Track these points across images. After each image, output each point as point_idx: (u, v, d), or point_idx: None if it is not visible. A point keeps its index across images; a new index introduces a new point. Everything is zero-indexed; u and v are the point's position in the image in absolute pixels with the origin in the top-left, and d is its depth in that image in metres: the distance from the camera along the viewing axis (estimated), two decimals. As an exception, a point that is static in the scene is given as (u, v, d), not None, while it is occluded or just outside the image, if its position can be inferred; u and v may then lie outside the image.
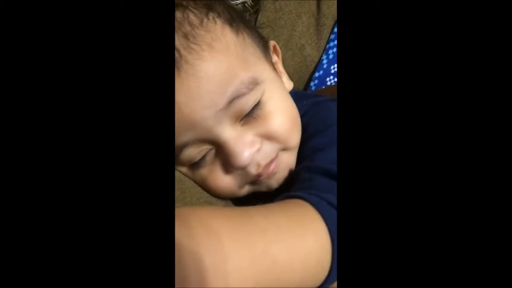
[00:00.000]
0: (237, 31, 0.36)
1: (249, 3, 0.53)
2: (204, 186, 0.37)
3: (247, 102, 0.33)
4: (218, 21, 0.35)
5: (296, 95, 0.42)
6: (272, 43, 0.43)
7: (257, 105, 0.34)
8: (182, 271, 0.20)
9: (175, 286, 0.20)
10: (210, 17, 0.34)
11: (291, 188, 0.32)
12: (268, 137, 0.35)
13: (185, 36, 0.33)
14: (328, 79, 0.61)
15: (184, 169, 0.37)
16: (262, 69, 0.36)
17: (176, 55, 0.32)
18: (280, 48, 0.47)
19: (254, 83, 0.34)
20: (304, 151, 0.37)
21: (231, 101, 0.33)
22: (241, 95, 0.33)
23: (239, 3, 0.52)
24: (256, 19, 0.57)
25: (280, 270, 0.23)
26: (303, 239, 0.25)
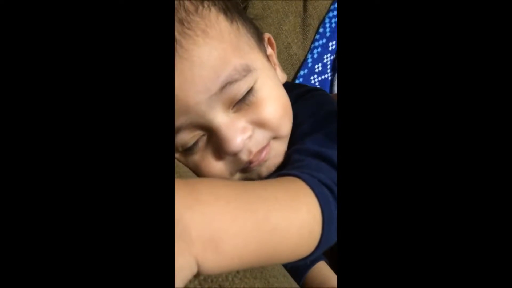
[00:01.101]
0: (231, 19, 0.36)
1: (239, 0, 0.53)
2: (197, 172, 0.37)
3: (240, 89, 0.34)
4: (213, 9, 0.35)
5: (286, 86, 0.43)
6: (267, 35, 0.43)
7: (250, 91, 0.35)
8: (192, 232, 0.20)
9: (183, 248, 0.20)
10: (205, 5, 0.35)
11: (283, 169, 0.34)
12: (260, 124, 0.35)
13: (181, 21, 0.33)
14: (312, 77, 0.63)
15: (177, 155, 0.37)
16: (255, 58, 0.36)
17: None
18: (267, 45, 0.47)
19: (247, 70, 0.34)
20: (294, 137, 0.38)
21: (224, 87, 0.33)
22: (234, 81, 0.33)
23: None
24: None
25: (279, 236, 0.24)
26: (298, 210, 0.26)
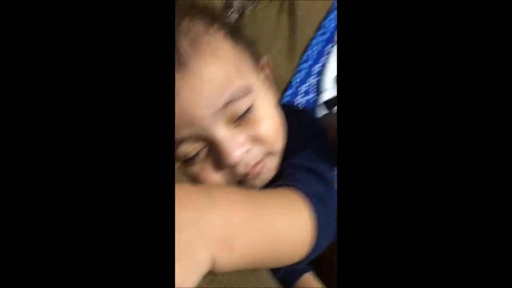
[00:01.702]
0: (235, 42, 0.39)
1: (232, 21, 0.57)
2: (196, 182, 0.39)
3: (241, 106, 0.37)
4: (221, 32, 0.38)
5: (280, 105, 0.46)
6: (265, 59, 0.46)
7: (249, 109, 0.38)
8: (211, 231, 0.23)
9: (203, 245, 0.22)
10: (215, 27, 0.38)
11: (277, 181, 0.37)
12: (257, 140, 0.38)
13: (193, 41, 0.36)
14: (296, 98, 0.66)
15: (177, 165, 0.39)
16: (254, 80, 0.40)
17: (184, 56, 0.35)
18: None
19: (248, 90, 0.37)
20: (285, 153, 0.41)
21: (227, 103, 0.36)
22: (236, 99, 0.36)
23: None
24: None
25: (280, 239, 0.27)
26: (296, 217, 0.30)
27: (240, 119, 0.37)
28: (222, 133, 0.36)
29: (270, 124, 0.39)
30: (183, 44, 0.35)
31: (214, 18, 0.38)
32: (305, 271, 0.41)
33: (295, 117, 0.44)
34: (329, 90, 0.68)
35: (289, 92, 0.65)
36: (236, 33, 0.40)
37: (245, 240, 0.24)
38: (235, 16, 0.53)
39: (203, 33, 0.37)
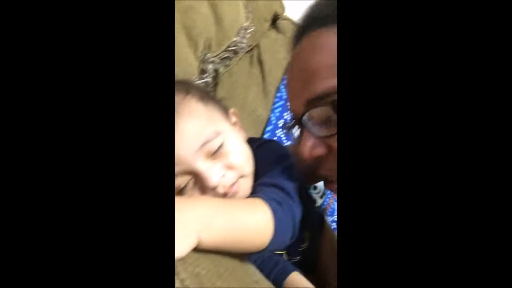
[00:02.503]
0: (206, 103, 0.55)
1: (209, 81, 0.70)
2: None
3: (214, 145, 0.51)
4: (193, 98, 0.54)
5: (250, 140, 0.61)
6: (232, 110, 0.62)
7: (221, 146, 0.52)
8: (194, 221, 0.36)
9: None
10: (189, 96, 0.54)
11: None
12: (229, 167, 0.52)
13: (175, 105, 0.52)
14: (277, 131, 0.78)
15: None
16: (223, 125, 0.55)
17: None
18: (238, 111, 0.63)
19: (218, 133, 0.52)
20: (257, 175, 0.55)
21: (203, 144, 0.50)
22: (210, 140, 0.51)
23: (202, 82, 0.70)
24: (215, 91, 0.74)
25: (244, 229, 0.40)
26: (256, 213, 0.42)
27: (215, 154, 0.51)
28: (203, 165, 0.50)
29: (238, 154, 0.53)
30: None
31: (188, 90, 0.55)
32: (291, 270, 0.50)
33: (264, 147, 0.59)
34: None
35: (269, 127, 0.77)
36: (206, 96, 0.56)
37: (218, 226, 0.37)
38: (209, 79, 0.67)
39: (181, 101, 0.53)
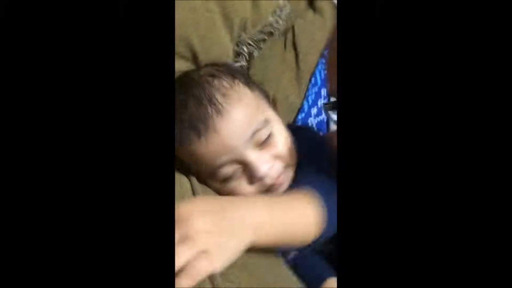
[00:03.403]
0: (252, 89, 0.54)
1: (244, 65, 0.66)
2: (234, 194, 0.52)
3: (263, 134, 0.51)
4: (241, 84, 0.53)
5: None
6: (273, 96, 0.62)
7: (269, 136, 0.51)
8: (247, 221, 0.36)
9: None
10: (236, 82, 0.52)
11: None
12: (277, 157, 0.52)
13: (224, 95, 0.51)
14: (309, 120, 0.75)
15: (217, 184, 0.52)
16: (270, 114, 0.54)
17: (220, 106, 0.49)
18: (270, 98, 0.59)
19: (267, 122, 0.52)
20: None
21: (253, 133, 0.50)
22: (259, 129, 0.51)
23: (237, 66, 0.66)
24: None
25: (294, 227, 0.41)
26: (311, 210, 0.41)
27: (264, 143, 0.50)
28: (252, 155, 0.49)
29: (285, 144, 0.52)
30: (218, 97, 0.49)
31: (234, 75, 0.53)
32: (326, 276, 0.48)
33: (298, 133, 0.57)
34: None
35: (301, 115, 0.73)
36: (249, 80, 0.54)
37: (273, 226, 0.38)
38: (243, 63, 0.63)
39: (230, 88, 0.51)
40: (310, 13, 0.75)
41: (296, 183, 0.49)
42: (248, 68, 0.71)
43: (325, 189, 0.43)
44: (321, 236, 0.42)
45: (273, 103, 0.58)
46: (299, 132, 0.58)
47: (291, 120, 0.74)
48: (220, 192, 0.52)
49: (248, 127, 0.49)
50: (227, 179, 0.50)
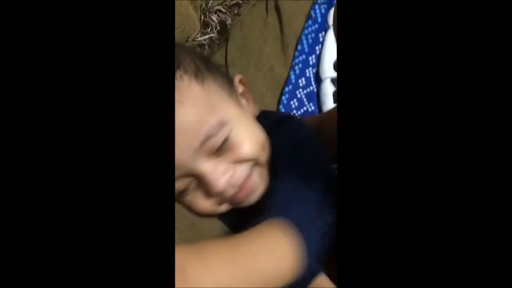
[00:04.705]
0: (202, 81, 0.41)
1: (215, 36, 0.59)
2: (190, 209, 0.43)
3: (218, 140, 0.40)
4: (185, 78, 0.40)
5: (264, 115, 0.48)
6: (237, 78, 0.48)
7: (226, 140, 0.40)
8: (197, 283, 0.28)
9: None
10: (178, 76, 0.40)
11: (265, 205, 0.39)
12: (239, 161, 0.41)
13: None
14: (297, 91, 0.68)
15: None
16: (227, 110, 0.42)
17: None
18: (251, 70, 0.53)
19: (221, 124, 0.40)
20: (274, 165, 0.43)
21: (204, 141, 0.39)
22: (211, 137, 0.39)
23: (206, 38, 0.58)
24: (226, 47, 0.63)
25: (267, 280, 0.32)
26: (281, 255, 0.33)
27: (220, 150, 0.40)
28: (204, 166, 0.40)
29: (249, 144, 0.41)
30: None
31: (178, 64, 0.41)
32: (316, 274, 0.43)
33: (282, 127, 0.46)
34: (329, 78, 0.69)
35: (288, 87, 0.66)
36: (201, 69, 0.42)
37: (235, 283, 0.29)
38: (213, 34, 0.55)
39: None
40: (293, -30, 0.67)
41: (268, 204, 0.39)
42: (225, 39, 0.64)
43: (304, 210, 0.36)
44: (304, 273, 0.34)
45: (239, 85, 0.47)
46: (281, 126, 0.46)
47: (278, 92, 0.67)
48: (181, 203, 0.44)
49: (195, 136, 0.39)
50: (181, 193, 0.42)
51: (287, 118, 0.50)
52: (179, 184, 0.41)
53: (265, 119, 0.46)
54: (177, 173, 0.39)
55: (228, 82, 0.45)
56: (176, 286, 0.26)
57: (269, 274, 0.32)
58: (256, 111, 0.47)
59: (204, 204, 0.42)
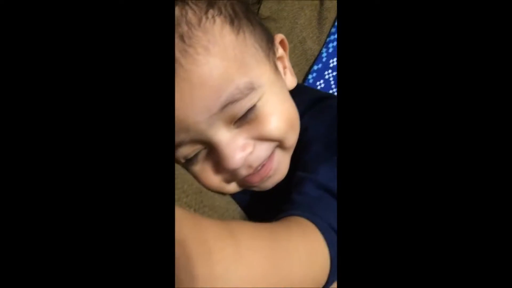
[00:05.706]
0: (238, 30, 0.34)
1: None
2: (197, 180, 0.38)
3: (242, 107, 0.33)
4: (218, 20, 0.33)
5: (298, 89, 0.41)
6: (279, 37, 0.41)
7: (252, 108, 0.34)
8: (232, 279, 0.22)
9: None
10: (209, 16, 0.33)
11: (293, 198, 0.33)
12: (262, 139, 0.35)
13: (181, 37, 0.31)
14: (326, 72, 0.61)
15: (180, 165, 0.37)
16: (261, 73, 0.35)
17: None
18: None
19: (251, 88, 0.33)
20: (304, 156, 0.36)
21: (224, 106, 0.32)
22: (235, 101, 0.32)
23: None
24: (258, 9, 0.56)
25: (303, 280, 0.27)
26: (315, 262, 0.28)
27: (242, 120, 0.34)
28: (221, 136, 0.33)
29: (277, 122, 0.35)
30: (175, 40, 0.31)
31: (210, 3, 0.33)
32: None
33: (323, 109, 0.39)
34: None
35: (317, 66, 0.60)
36: (239, 15, 0.35)
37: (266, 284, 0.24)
38: None
39: (195, 26, 0.32)
40: None
41: (294, 199, 0.33)
42: (260, 1, 0.57)
43: (330, 208, 0.30)
44: (330, 282, 0.29)
45: (279, 46, 0.40)
46: (320, 107, 0.39)
47: (305, 71, 0.61)
48: (188, 171, 0.38)
49: (215, 97, 0.31)
50: (188, 161, 0.36)
51: (328, 98, 0.42)
52: (186, 151, 0.35)
53: (301, 95, 0.39)
54: (186, 137, 0.33)
55: (268, 39, 0.37)
56: (195, 272, 0.21)
57: (300, 278, 0.27)
58: (293, 83, 0.40)
59: (211, 178, 0.37)
